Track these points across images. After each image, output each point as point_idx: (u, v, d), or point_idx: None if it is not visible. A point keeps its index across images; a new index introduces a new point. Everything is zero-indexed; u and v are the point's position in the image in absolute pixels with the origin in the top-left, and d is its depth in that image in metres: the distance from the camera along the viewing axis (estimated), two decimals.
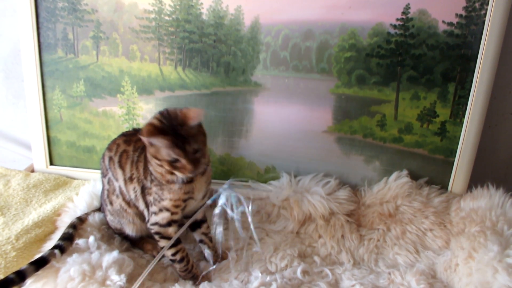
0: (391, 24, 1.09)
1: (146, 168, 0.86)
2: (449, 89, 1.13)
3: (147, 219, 0.89)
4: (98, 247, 0.90)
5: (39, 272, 0.81)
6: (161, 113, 0.79)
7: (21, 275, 0.78)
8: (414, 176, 1.18)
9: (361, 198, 1.18)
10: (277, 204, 1.12)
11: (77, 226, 0.96)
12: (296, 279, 0.94)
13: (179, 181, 0.83)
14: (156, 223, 0.86)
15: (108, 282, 0.80)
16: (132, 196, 0.90)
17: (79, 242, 0.91)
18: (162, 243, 0.87)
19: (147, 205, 0.88)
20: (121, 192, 0.91)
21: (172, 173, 0.81)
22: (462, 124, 1.14)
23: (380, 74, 1.13)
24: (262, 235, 1.07)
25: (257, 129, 1.19)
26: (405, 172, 1.17)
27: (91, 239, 0.91)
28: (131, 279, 0.85)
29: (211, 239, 0.98)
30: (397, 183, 1.16)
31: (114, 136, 1.20)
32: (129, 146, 0.91)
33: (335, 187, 1.16)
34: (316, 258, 1.03)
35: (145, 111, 1.20)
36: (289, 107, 1.17)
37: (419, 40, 1.10)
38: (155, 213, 0.86)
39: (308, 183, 1.16)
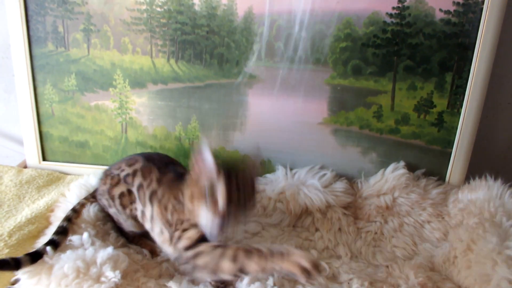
0: (387, 13, 1.07)
1: (173, 212, 0.81)
2: (446, 79, 1.11)
3: (177, 254, 0.81)
4: (93, 244, 0.88)
5: (32, 268, 0.80)
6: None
7: (17, 262, 0.77)
8: (411, 168, 1.17)
9: (358, 191, 1.17)
10: (273, 198, 1.11)
11: (72, 219, 0.94)
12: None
13: None
14: (185, 248, 0.77)
15: (102, 279, 0.79)
16: (155, 233, 0.86)
17: (73, 238, 0.90)
18: (203, 260, 0.74)
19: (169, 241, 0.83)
20: (141, 217, 0.90)
21: None
22: (460, 114, 1.13)
23: (376, 64, 1.12)
24: (258, 229, 1.06)
25: (251, 122, 1.18)
26: (402, 163, 1.16)
27: (85, 235, 0.90)
28: (126, 275, 0.83)
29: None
30: (394, 174, 1.14)
31: (108, 131, 1.21)
32: (159, 185, 0.86)
33: (332, 180, 1.15)
34: (313, 252, 1.02)
35: (138, 104, 1.19)
36: (284, 99, 1.15)
37: (416, 29, 1.08)
38: (180, 238, 0.78)
39: (304, 175, 1.14)
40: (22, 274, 0.80)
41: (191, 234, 0.77)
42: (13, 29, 1.13)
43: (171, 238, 0.82)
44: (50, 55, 1.16)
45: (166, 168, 0.91)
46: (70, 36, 1.15)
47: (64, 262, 0.80)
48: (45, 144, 1.22)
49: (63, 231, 0.89)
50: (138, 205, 0.90)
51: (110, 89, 1.18)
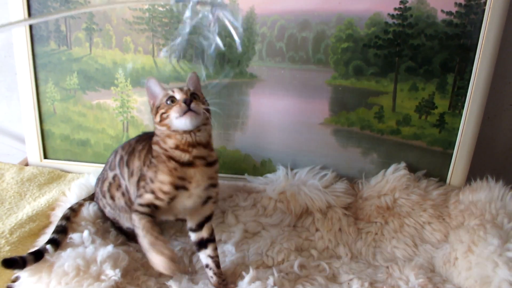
0: (388, 14, 1.07)
1: (147, 154, 0.84)
2: (448, 80, 1.11)
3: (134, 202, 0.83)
4: (93, 242, 0.89)
5: (33, 266, 0.80)
6: None
7: (23, 261, 0.78)
8: (412, 169, 1.16)
9: (358, 191, 1.17)
10: (273, 197, 1.11)
11: (70, 218, 0.95)
12: (293, 273, 0.93)
13: (173, 120, 0.78)
14: (138, 204, 0.80)
15: (102, 277, 0.79)
16: (132, 191, 0.88)
17: (73, 236, 0.90)
18: (135, 216, 0.78)
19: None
20: (127, 191, 0.90)
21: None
22: (461, 115, 1.12)
23: (378, 65, 1.11)
24: (259, 229, 1.06)
25: (253, 122, 1.18)
26: (403, 164, 1.16)
27: (85, 233, 0.90)
28: (126, 273, 0.84)
29: (218, 264, 0.88)
30: (395, 175, 1.14)
31: (109, 129, 1.21)
32: (138, 144, 0.90)
33: (332, 180, 1.15)
34: (313, 252, 1.02)
35: (140, 103, 1.19)
36: (285, 99, 1.15)
37: (418, 30, 1.08)
38: (140, 196, 0.80)
39: (305, 175, 1.14)
40: (22, 272, 0.80)
41: (148, 197, 0.80)
42: (16, 28, 1.13)
43: (137, 189, 0.83)
44: (52, 53, 1.17)
45: (146, 135, 0.93)
46: (73, 35, 1.15)
47: (65, 260, 0.80)
48: (46, 142, 1.23)
49: (62, 230, 0.90)
50: (122, 182, 0.90)
51: (112, 88, 1.18)
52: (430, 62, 1.10)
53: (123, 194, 0.91)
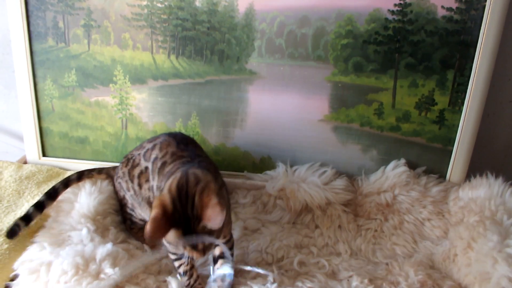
0: (388, 10, 1.06)
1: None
2: (448, 77, 1.11)
3: None
4: (92, 240, 0.88)
5: (32, 265, 0.80)
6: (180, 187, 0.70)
7: (18, 226, 0.90)
8: (412, 165, 1.16)
9: (358, 188, 1.16)
10: (273, 194, 1.11)
11: (69, 184, 1.02)
12: (292, 270, 0.93)
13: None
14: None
15: (102, 275, 0.79)
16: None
17: (72, 234, 0.90)
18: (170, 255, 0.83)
19: None
20: (152, 190, 0.89)
21: None
22: (461, 112, 1.12)
23: (378, 61, 1.11)
24: (258, 226, 1.06)
25: (252, 118, 1.17)
26: (402, 161, 1.16)
27: (84, 231, 0.90)
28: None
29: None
30: (394, 172, 1.14)
31: (108, 127, 1.21)
32: (173, 161, 0.85)
33: (332, 177, 1.15)
34: (313, 249, 1.02)
35: (138, 100, 1.18)
36: (284, 96, 1.15)
37: (418, 26, 1.07)
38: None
39: (304, 172, 1.14)
40: (21, 270, 0.80)
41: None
42: (13, 24, 1.12)
43: None
44: (51, 50, 1.16)
45: (185, 146, 0.89)
46: (71, 32, 1.14)
47: (63, 259, 0.80)
48: (45, 140, 1.22)
49: (52, 194, 0.98)
50: (151, 181, 0.89)
51: (111, 85, 1.17)
52: (430, 58, 1.10)
53: (149, 189, 0.89)
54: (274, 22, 1.10)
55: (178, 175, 0.72)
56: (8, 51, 1.31)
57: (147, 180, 0.89)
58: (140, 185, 0.91)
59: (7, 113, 1.41)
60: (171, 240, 0.70)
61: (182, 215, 0.68)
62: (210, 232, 0.69)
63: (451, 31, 1.07)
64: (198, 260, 0.78)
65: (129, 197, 0.95)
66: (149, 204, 0.90)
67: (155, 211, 0.66)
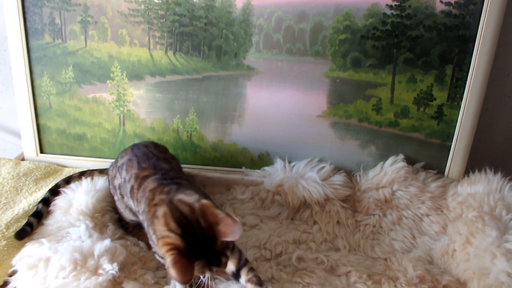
0: (387, 5, 1.06)
1: (144, 213, 0.77)
2: (447, 72, 1.11)
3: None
4: (90, 236, 0.88)
5: (30, 260, 0.80)
6: (181, 218, 0.68)
7: (31, 226, 0.92)
8: (410, 161, 1.16)
9: (356, 184, 1.16)
10: (271, 190, 1.11)
11: (71, 181, 1.05)
12: (291, 266, 0.93)
13: None
14: (155, 253, 0.82)
15: (100, 271, 0.79)
16: (141, 218, 0.84)
17: (71, 230, 0.90)
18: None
19: None
20: (128, 207, 0.90)
21: None
22: (460, 107, 1.12)
23: (376, 57, 1.11)
24: (257, 222, 1.06)
25: (250, 114, 1.17)
26: (401, 156, 1.16)
27: (83, 227, 0.90)
28: (123, 267, 0.83)
29: (258, 281, 0.80)
30: (393, 168, 1.14)
31: (105, 123, 1.20)
32: (135, 183, 0.84)
33: (330, 173, 1.15)
34: (311, 245, 1.01)
35: (136, 97, 1.18)
36: (282, 91, 1.15)
37: (416, 21, 1.07)
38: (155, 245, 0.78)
39: (303, 168, 1.14)
40: (19, 266, 0.80)
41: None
42: (10, 21, 1.12)
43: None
44: (47, 47, 1.15)
45: (147, 162, 0.87)
46: (67, 28, 1.14)
47: (62, 254, 0.80)
48: (42, 137, 1.22)
49: (54, 191, 1.02)
50: (125, 198, 0.91)
51: (108, 81, 1.17)
52: (428, 53, 1.09)
53: (127, 198, 0.89)
54: (271, 17, 1.09)
55: (165, 210, 0.70)
56: (5, 48, 1.31)
57: (125, 194, 0.90)
58: (122, 195, 0.92)
59: (4, 110, 1.41)
60: (199, 272, 0.68)
61: (196, 245, 0.67)
62: (228, 244, 0.69)
63: (450, 26, 1.07)
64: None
65: (116, 200, 0.96)
66: (131, 211, 0.91)
67: (171, 257, 0.64)
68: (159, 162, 0.89)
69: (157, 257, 0.84)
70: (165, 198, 0.73)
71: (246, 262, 0.82)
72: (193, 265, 0.66)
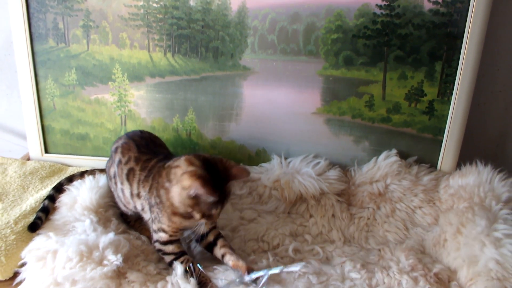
0: (376, 5, 1.09)
1: (151, 189, 0.87)
2: (436, 68, 1.14)
3: (151, 234, 0.90)
4: (95, 230, 0.92)
5: (39, 253, 0.84)
6: (203, 159, 0.81)
7: (40, 219, 0.96)
8: (403, 156, 1.19)
9: (351, 178, 1.19)
10: (268, 185, 1.14)
11: (73, 179, 1.09)
12: (287, 257, 0.96)
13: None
14: (157, 241, 0.88)
15: (105, 262, 0.82)
16: (139, 208, 0.92)
17: (76, 225, 0.94)
18: (166, 259, 0.88)
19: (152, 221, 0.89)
20: (123, 194, 0.95)
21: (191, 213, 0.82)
22: (450, 102, 1.15)
23: (367, 55, 1.14)
24: (254, 216, 1.09)
25: (247, 113, 1.21)
26: (394, 151, 1.19)
27: (87, 222, 0.94)
28: (127, 259, 0.87)
29: (231, 247, 0.91)
30: (386, 162, 1.17)
31: (108, 123, 1.24)
32: (137, 165, 0.92)
33: (325, 168, 1.18)
34: (307, 237, 1.04)
35: (137, 97, 1.22)
36: (278, 90, 1.19)
37: (405, 20, 1.10)
38: (155, 232, 0.88)
39: (299, 164, 1.17)
40: (28, 258, 0.84)
41: (162, 237, 0.87)
42: (15, 26, 1.16)
43: (151, 220, 0.90)
44: (51, 51, 1.20)
45: (146, 147, 0.96)
46: (70, 32, 1.18)
47: (68, 247, 0.83)
48: (47, 137, 1.26)
49: (59, 188, 1.06)
50: (118, 183, 0.95)
51: (110, 83, 1.21)
52: (418, 51, 1.13)
53: (119, 189, 0.95)
54: (266, 19, 1.13)
55: (187, 157, 0.83)
56: (10, 52, 1.36)
57: (117, 182, 0.95)
58: (116, 184, 0.97)
59: (10, 112, 1.45)
60: (207, 209, 0.80)
61: (214, 182, 0.78)
62: (229, 195, 0.83)
63: (438, 24, 1.10)
64: (211, 225, 0.86)
65: (113, 192, 1.01)
66: (122, 203, 0.97)
67: (198, 181, 0.76)
68: (158, 148, 0.99)
69: (158, 246, 0.88)
70: (182, 156, 0.85)
71: (221, 235, 0.93)
72: (214, 188, 0.77)
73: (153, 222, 0.88)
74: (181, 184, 0.79)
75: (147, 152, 0.95)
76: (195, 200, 0.79)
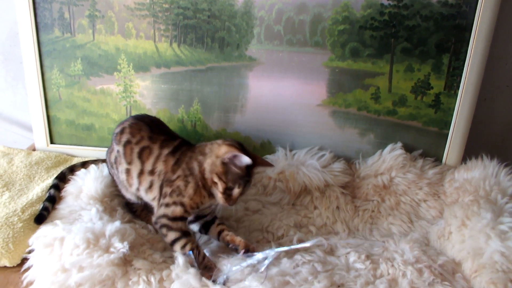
0: None
1: (178, 163, 0.90)
2: (443, 61, 1.13)
3: (154, 210, 0.91)
4: (101, 218, 0.92)
5: (46, 240, 0.85)
6: (237, 142, 0.90)
7: (47, 210, 0.97)
8: (408, 149, 1.19)
9: (355, 171, 1.19)
10: (273, 177, 1.14)
11: (75, 170, 1.10)
12: None
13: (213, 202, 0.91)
14: (164, 215, 0.87)
15: (111, 249, 0.83)
16: (145, 186, 0.92)
17: (82, 213, 0.95)
18: (171, 236, 0.86)
19: (159, 197, 0.90)
20: (127, 176, 0.95)
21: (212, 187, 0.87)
22: (457, 96, 1.14)
23: (374, 47, 1.14)
24: (259, 207, 1.10)
25: (252, 104, 1.20)
26: (399, 144, 1.19)
27: (93, 211, 0.94)
28: (133, 248, 0.87)
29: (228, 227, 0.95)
30: (391, 155, 1.17)
31: (113, 114, 1.25)
32: (154, 144, 0.93)
33: (330, 160, 1.18)
34: (311, 228, 1.05)
35: (142, 88, 1.22)
36: (283, 81, 1.18)
37: (413, 11, 1.09)
38: (167, 205, 0.87)
39: (303, 156, 1.17)
40: (36, 245, 0.84)
41: (176, 211, 0.87)
42: (21, 16, 1.16)
43: (159, 196, 0.90)
44: (57, 41, 1.20)
45: (158, 128, 0.98)
46: (76, 22, 1.18)
47: (75, 234, 0.84)
48: (52, 128, 1.26)
49: (62, 177, 1.08)
50: (123, 165, 0.95)
51: (115, 73, 1.21)
52: (425, 43, 1.12)
53: (124, 171, 0.95)
54: (272, 9, 1.13)
55: (223, 139, 0.91)
56: (15, 43, 1.36)
57: (120, 164, 0.95)
58: (117, 169, 0.97)
59: (15, 104, 1.46)
60: (233, 180, 0.85)
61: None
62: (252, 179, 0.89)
63: (446, 15, 1.09)
64: (230, 205, 0.88)
65: (116, 179, 1.01)
66: (124, 187, 0.97)
67: (235, 151, 0.85)
68: (168, 130, 1.02)
69: (165, 221, 0.88)
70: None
71: (217, 217, 0.98)
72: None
73: (165, 197, 0.88)
74: (217, 152, 0.86)
75: (160, 133, 0.96)
76: (226, 167, 0.85)
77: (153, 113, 1.24)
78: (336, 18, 1.12)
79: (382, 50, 1.14)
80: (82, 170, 1.10)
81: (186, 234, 0.86)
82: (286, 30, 1.14)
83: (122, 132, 0.96)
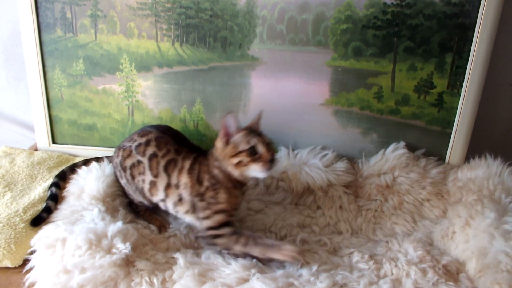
0: None
1: (199, 174, 0.91)
2: (446, 60, 1.13)
3: (198, 227, 0.91)
4: (103, 219, 0.92)
5: (48, 241, 0.84)
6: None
7: (48, 211, 0.98)
8: (411, 148, 1.19)
9: (358, 170, 1.19)
10: (275, 177, 1.14)
11: (75, 168, 1.10)
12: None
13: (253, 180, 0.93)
14: (208, 228, 0.88)
15: (114, 250, 0.83)
16: (173, 199, 0.92)
17: (84, 214, 0.94)
18: (221, 241, 0.87)
19: (193, 210, 0.91)
20: (151, 186, 0.95)
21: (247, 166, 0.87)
22: (460, 95, 1.14)
23: (377, 46, 1.13)
24: (262, 207, 1.09)
25: (254, 103, 1.20)
26: (402, 143, 1.18)
27: (95, 211, 0.94)
28: (135, 248, 0.87)
29: None
30: (394, 154, 1.16)
31: (115, 114, 1.24)
32: (179, 156, 0.94)
33: (333, 160, 1.17)
34: (314, 228, 1.05)
35: (144, 88, 1.22)
36: (286, 81, 1.18)
37: (416, 10, 1.09)
38: (207, 217, 0.88)
39: (306, 155, 1.17)
40: (38, 246, 0.84)
41: (220, 218, 0.88)
42: (23, 16, 1.16)
43: (194, 210, 0.91)
44: (59, 40, 1.19)
45: (182, 142, 0.99)
46: (78, 22, 1.18)
47: (77, 235, 0.84)
48: (54, 128, 1.26)
49: (63, 176, 1.09)
50: (147, 176, 0.94)
51: (117, 73, 1.21)
52: (428, 42, 1.12)
53: (143, 181, 0.95)
54: (275, 8, 1.12)
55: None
56: (17, 43, 1.35)
57: (141, 173, 0.95)
58: (132, 176, 0.96)
59: (17, 104, 1.46)
60: (241, 136, 0.88)
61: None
62: None
63: (449, 14, 1.09)
64: (270, 164, 0.87)
65: (124, 184, 1.00)
66: (142, 193, 0.96)
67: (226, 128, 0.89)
68: (188, 142, 1.04)
69: (212, 232, 0.88)
70: None
71: None
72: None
73: (202, 210, 0.89)
74: (216, 145, 0.90)
75: (182, 145, 0.97)
76: (231, 144, 0.87)
77: (155, 113, 1.24)
78: (339, 17, 1.11)
79: (385, 49, 1.13)
80: (84, 168, 1.09)
81: (237, 233, 0.87)
82: (288, 29, 1.14)
83: (147, 144, 0.95)
